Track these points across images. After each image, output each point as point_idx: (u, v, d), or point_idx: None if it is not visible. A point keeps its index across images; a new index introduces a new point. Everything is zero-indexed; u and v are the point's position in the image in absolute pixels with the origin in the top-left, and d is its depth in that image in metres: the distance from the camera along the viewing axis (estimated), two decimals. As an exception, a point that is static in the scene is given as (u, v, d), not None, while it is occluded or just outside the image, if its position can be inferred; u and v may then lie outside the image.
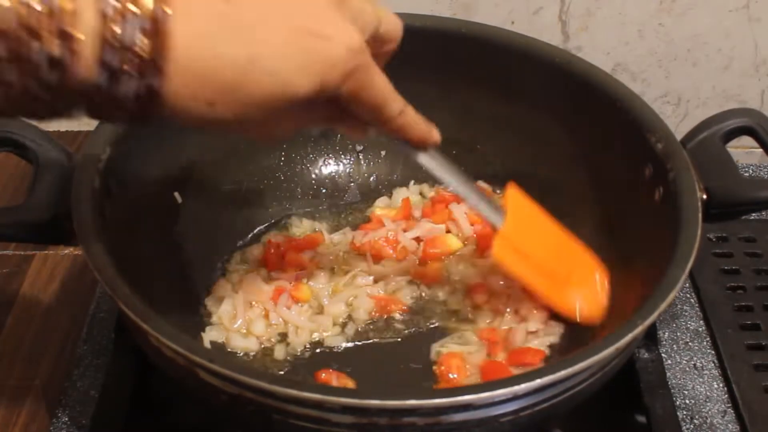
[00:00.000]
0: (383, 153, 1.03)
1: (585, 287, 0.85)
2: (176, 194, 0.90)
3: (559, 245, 0.87)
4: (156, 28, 0.52)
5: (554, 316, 0.87)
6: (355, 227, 0.98)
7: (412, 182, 1.02)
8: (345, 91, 0.61)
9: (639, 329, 0.67)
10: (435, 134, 0.73)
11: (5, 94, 0.51)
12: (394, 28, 0.67)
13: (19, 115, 0.55)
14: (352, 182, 1.02)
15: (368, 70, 0.62)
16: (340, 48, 0.58)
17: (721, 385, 0.88)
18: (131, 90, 0.53)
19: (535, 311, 0.87)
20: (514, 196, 0.86)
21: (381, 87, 0.64)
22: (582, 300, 0.84)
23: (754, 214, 1.03)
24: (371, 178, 1.03)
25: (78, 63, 0.51)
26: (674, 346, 0.91)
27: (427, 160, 0.75)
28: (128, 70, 0.52)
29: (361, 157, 1.03)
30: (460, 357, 0.84)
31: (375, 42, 0.64)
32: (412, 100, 0.98)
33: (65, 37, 0.50)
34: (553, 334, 0.86)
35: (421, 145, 0.74)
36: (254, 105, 0.57)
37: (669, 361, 0.89)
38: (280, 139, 0.64)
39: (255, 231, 0.97)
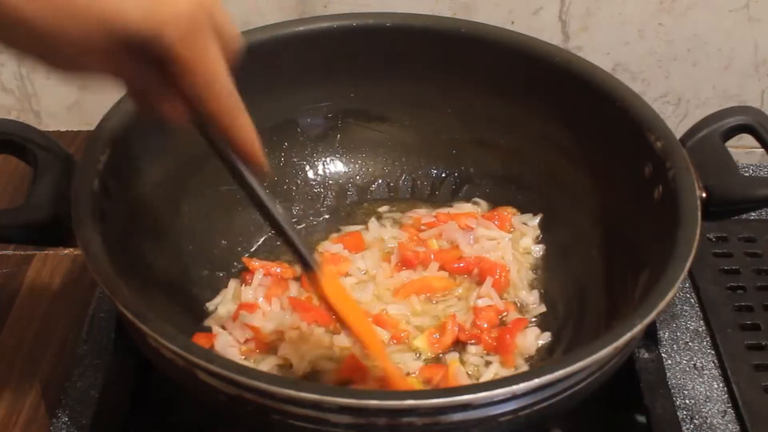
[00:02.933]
0: (383, 153, 1.03)
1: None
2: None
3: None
4: None
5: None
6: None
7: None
8: (177, 53, 0.55)
9: (638, 328, 0.67)
10: (262, 158, 0.65)
11: None
12: (232, 27, 0.60)
13: None
14: (351, 183, 1.02)
15: (206, 42, 0.56)
16: (183, 1, 0.54)
17: (721, 385, 0.88)
18: None
19: None
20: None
21: (216, 69, 0.58)
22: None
23: (754, 214, 1.03)
24: (371, 179, 1.03)
25: None
26: (674, 346, 0.91)
27: (251, 180, 0.67)
28: None
29: (360, 157, 1.03)
30: None
31: (214, 31, 0.57)
32: (413, 100, 0.99)
33: None
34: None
35: (244, 154, 0.65)
36: (76, 13, 0.51)
37: (669, 361, 0.89)
38: (77, 74, 0.56)
39: (254, 232, 0.97)
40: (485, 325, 0.87)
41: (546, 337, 0.87)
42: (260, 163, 0.65)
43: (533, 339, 0.86)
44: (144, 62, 0.56)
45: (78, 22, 0.51)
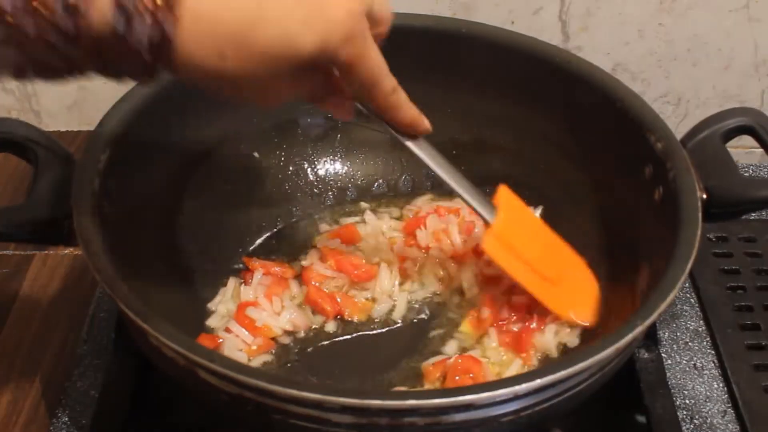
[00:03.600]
0: (383, 153, 1.03)
1: (575, 288, 0.86)
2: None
3: (549, 246, 0.88)
4: None
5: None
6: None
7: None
8: (343, 57, 0.62)
9: (639, 329, 0.67)
10: (425, 122, 0.74)
11: (22, 46, 0.53)
12: (386, 9, 0.68)
13: (35, 73, 0.56)
14: (351, 182, 1.02)
15: (366, 39, 0.63)
16: (341, 10, 0.60)
17: (721, 385, 0.88)
18: (145, 36, 0.54)
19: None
20: (505, 195, 0.86)
21: (377, 60, 0.66)
22: (572, 300, 0.85)
23: (754, 214, 1.03)
24: (371, 179, 1.03)
25: (93, 7, 0.53)
26: (674, 346, 0.91)
27: (416, 148, 0.76)
28: (142, 14, 0.54)
29: (360, 157, 1.03)
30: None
31: (369, 21, 0.65)
32: (413, 100, 0.98)
33: None
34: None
35: (411, 131, 0.75)
36: (261, 58, 0.59)
37: (669, 361, 0.89)
38: (275, 105, 0.66)
39: (254, 231, 0.97)
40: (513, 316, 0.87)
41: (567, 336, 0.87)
42: (425, 131, 0.75)
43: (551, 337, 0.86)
44: (315, 74, 0.65)
45: (265, 65, 0.59)
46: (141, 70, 0.57)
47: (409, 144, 0.76)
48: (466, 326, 0.88)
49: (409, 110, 0.73)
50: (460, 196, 0.81)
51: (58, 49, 0.54)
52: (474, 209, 0.82)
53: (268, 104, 0.66)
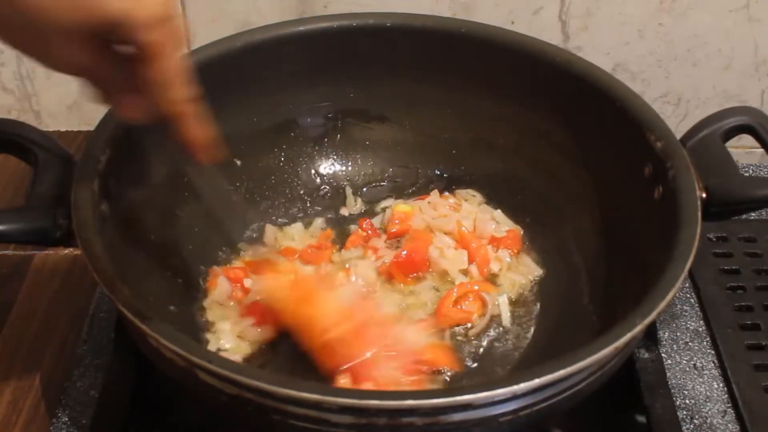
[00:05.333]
0: (383, 153, 1.03)
1: None
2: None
3: None
4: None
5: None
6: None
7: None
8: (150, 37, 0.59)
9: (638, 328, 0.67)
10: (216, 151, 0.71)
11: None
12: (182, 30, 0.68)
13: None
14: (351, 182, 1.02)
15: (174, 34, 0.61)
16: None
17: (721, 385, 0.88)
18: None
19: None
20: None
21: (180, 61, 0.63)
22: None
23: (754, 214, 1.03)
24: (371, 179, 1.03)
25: None
26: (674, 346, 0.91)
27: (195, 176, 0.74)
28: None
29: (360, 157, 1.03)
30: None
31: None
32: (413, 100, 0.99)
33: None
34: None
35: (197, 152, 0.70)
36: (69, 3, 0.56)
37: (669, 361, 0.89)
38: (56, 66, 0.62)
39: (255, 230, 0.97)
40: None
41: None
42: (210, 159, 0.71)
43: None
44: (113, 53, 0.61)
45: (70, 6, 0.56)
46: None
47: (189, 169, 0.73)
48: None
49: (201, 129, 0.68)
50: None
51: None
52: None
53: (49, 62, 0.61)
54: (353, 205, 1.00)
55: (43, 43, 0.59)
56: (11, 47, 0.60)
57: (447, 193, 1.00)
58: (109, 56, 0.62)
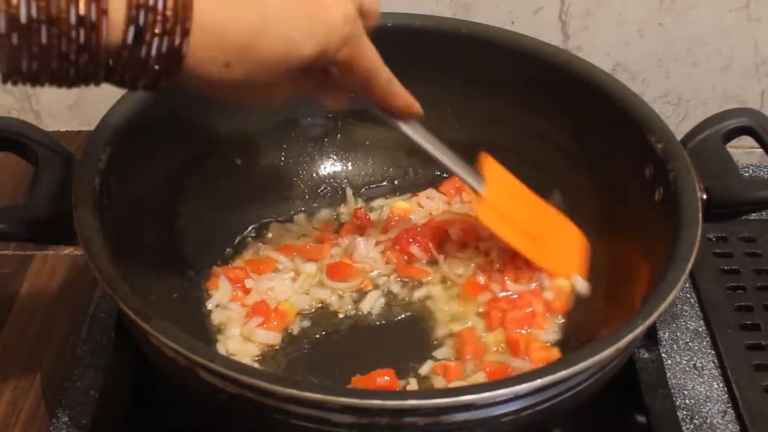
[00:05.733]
0: (383, 153, 1.03)
1: (564, 245, 0.90)
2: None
3: (535, 209, 0.91)
4: None
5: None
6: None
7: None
8: (341, 57, 0.66)
9: (639, 329, 0.67)
10: (417, 106, 0.77)
11: (37, 55, 0.55)
12: (374, 3, 0.71)
13: (48, 80, 0.60)
14: (351, 182, 1.02)
15: (361, 38, 0.67)
16: (338, 15, 0.63)
17: (721, 385, 0.88)
18: (156, 50, 0.56)
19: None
20: (490, 164, 0.88)
21: (372, 56, 0.69)
22: (562, 257, 0.89)
23: (754, 214, 1.02)
24: (371, 179, 1.03)
25: (107, 23, 0.54)
26: (674, 346, 0.91)
27: (409, 130, 0.79)
28: (155, 31, 0.56)
29: (361, 157, 1.03)
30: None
31: (360, 16, 0.67)
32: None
33: None
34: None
35: (405, 115, 0.78)
36: (265, 66, 0.61)
37: (669, 361, 0.89)
38: (277, 105, 0.70)
39: (255, 230, 0.97)
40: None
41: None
42: (417, 115, 0.78)
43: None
44: (314, 73, 0.67)
45: (267, 72, 0.62)
46: (148, 81, 0.59)
47: (403, 126, 0.79)
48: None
49: (403, 96, 0.76)
50: (450, 169, 0.83)
51: (70, 58, 0.56)
52: (464, 180, 0.85)
53: (268, 104, 0.69)
54: (353, 205, 1.00)
55: (253, 96, 0.66)
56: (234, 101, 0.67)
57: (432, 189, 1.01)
58: (313, 79, 0.70)
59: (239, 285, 0.89)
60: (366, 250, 0.93)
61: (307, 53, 0.62)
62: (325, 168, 1.02)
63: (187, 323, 0.83)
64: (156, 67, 0.57)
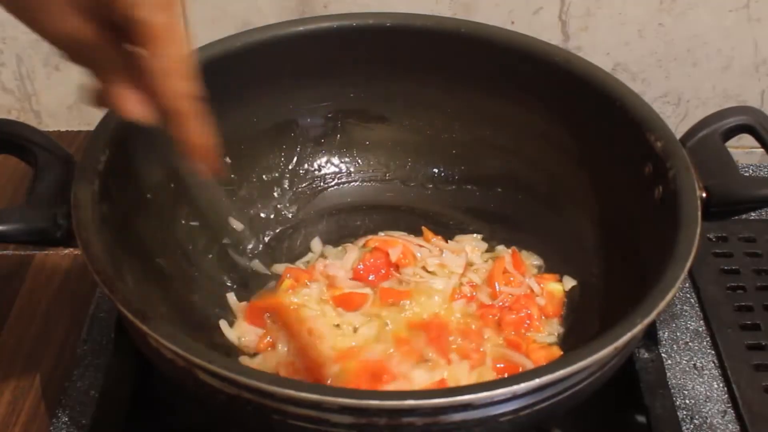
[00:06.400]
0: (383, 153, 1.03)
1: None
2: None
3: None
4: None
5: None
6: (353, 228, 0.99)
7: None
8: (156, 19, 0.56)
9: (638, 328, 0.67)
10: (217, 163, 0.65)
11: None
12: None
13: None
14: (351, 183, 1.02)
15: (180, 21, 0.57)
16: None
17: (721, 385, 0.88)
18: None
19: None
20: None
21: (185, 46, 0.58)
22: None
23: (754, 214, 1.03)
24: (371, 179, 1.03)
25: None
26: (674, 346, 0.91)
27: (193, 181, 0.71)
28: None
29: (360, 157, 1.03)
30: None
31: None
32: (413, 100, 0.99)
33: None
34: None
35: (197, 156, 0.64)
36: None
37: (669, 361, 0.89)
38: (46, 30, 0.57)
39: (254, 232, 0.97)
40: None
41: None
42: (212, 170, 0.66)
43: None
44: (110, 35, 0.57)
45: None
46: None
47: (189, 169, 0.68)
48: None
49: (201, 132, 0.62)
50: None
51: None
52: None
53: (42, 26, 0.57)
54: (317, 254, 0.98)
55: (39, 3, 0.56)
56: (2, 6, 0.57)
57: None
58: (107, 36, 0.58)
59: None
60: (344, 273, 0.91)
61: None
62: (324, 168, 1.02)
63: (187, 324, 0.84)
64: None
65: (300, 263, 0.94)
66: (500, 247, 0.95)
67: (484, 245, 0.96)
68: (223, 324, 0.86)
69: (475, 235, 0.97)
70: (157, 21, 0.56)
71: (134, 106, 0.61)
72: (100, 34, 0.57)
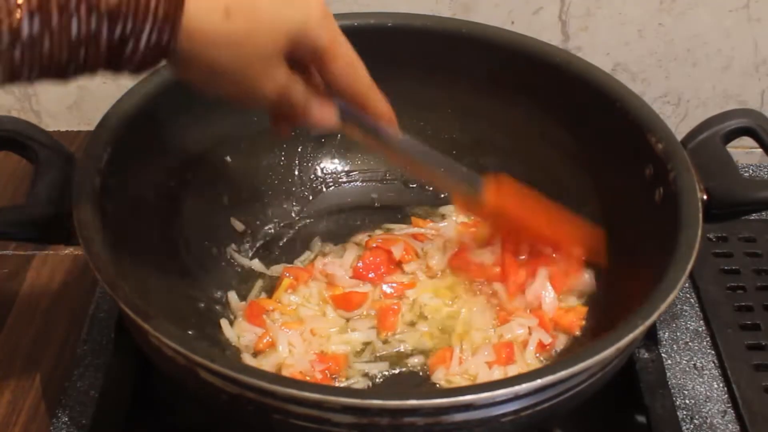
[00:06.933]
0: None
1: (580, 231, 0.88)
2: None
3: (548, 208, 0.89)
4: None
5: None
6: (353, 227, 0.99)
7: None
8: (323, 37, 0.65)
9: (639, 329, 0.67)
10: (394, 116, 0.75)
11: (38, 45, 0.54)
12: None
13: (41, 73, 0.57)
14: (351, 182, 1.02)
15: (336, 26, 0.67)
16: None
17: (721, 385, 0.88)
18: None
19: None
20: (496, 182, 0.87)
21: (352, 50, 0.69)
22: (580, 235, 0.87)
23: (754, 214, 1.02)
24: (371, 179, 1.03)
25: None
26: (674, 346, 0.91)
27: (398, 138, 0.76)
28: None
29: (360, 157, 1.03)
30: None
31: None
32: (412, 100, 0.99)
33: None
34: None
35: (390, 123, 0.75)
36: (263, 22, 0.61)
37: (669, 361, 0.89)
38: (262, 104, 0.67)
39: (254, 231, 0.97)
40: None
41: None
42: (395, 124, 0.75)
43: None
44: (295, 70, 0.66)
45: (264, 31, 0.62)
46: (149, 40, 0.58)
47: (391, 136, 0.76)
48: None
49: (386, 102, 0.74)
50: (447, 173, 0.83)
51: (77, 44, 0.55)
52: (460, 184, 0.84)
53: (255, 100, 0.66)
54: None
55: (244, 76, 0.64)
56: (214, 93, 0.65)
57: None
58: (295, 78, 0.67)
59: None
60: (344, 272, 0.92)
61: (291, 20, 0.62)
62: (325, 168, 1.02)
63: (187, 322, 0.84)
64: (157, 11, 0.56)
65: (299, 262, 0.95)
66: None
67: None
68: (224, 323, 0.86)
69: None
70: (329, 39, 0.66)
71: (328, 115, 0.71)
72: (292, 75, 0.67)
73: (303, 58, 0.66)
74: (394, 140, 0.76)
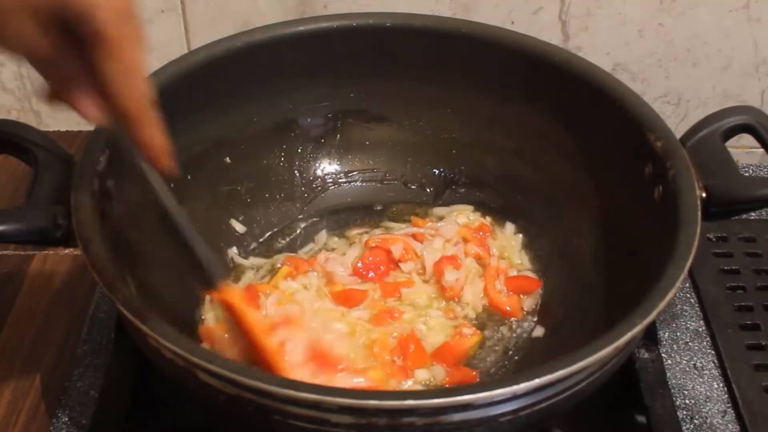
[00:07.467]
0: (383, 153, 1.03)
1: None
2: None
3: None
4: None
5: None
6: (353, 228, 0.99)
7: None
8: (99, 23, 0.57)
9: (638, 328, 0.67)
10: (171, 162, 0.67)
11: None
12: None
13: None
14: (350, 183, 1.02)
15: (138, 29, 0.59)
16: None
17: (721, 385, 0.88)
18: None
19: None
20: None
21: (140, 55, 0.60)
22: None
23: (754, 214, 1.03)
24: (370, 179, 1.03)
25: None
26: (674, 346, 0.91)
27: (156, 183, 0.70)
28: None
29: (360, 157, 1.03)
30: None
31: None
32: (413, 100, 0.99)
33: None
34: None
35: (153, 158, 0.66)
36: None
37: (669, 361, 0.89)
38: (12, 47, 0.59)
39: (254, 231, 0.97)
40: None
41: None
42: (167, 169, 0.67)
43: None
44: (68, 44, 0.58)
45: None
46: None
47: (152, 177, 0.69)
48: None
49: (159, 135, 0.65)
50: (189, 243, 0.74)
51: None
52: (204, 263, 0.74)
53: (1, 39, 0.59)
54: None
55: None
56: None
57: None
58: (66, 45, 0.59)
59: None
60: (344, 270, 0.92)
61: None
62: (324, 168, 1.02)
63: (187, 324, 0.84)
64: None
65: (302, 252, 0.95)
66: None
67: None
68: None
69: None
70: (113, 32, 0.58)
71: (92, 110, 0.63)
72: (59, 43, 0.59)
73: (81, 35, 0.58)
74: (156, 183, 0.69)
